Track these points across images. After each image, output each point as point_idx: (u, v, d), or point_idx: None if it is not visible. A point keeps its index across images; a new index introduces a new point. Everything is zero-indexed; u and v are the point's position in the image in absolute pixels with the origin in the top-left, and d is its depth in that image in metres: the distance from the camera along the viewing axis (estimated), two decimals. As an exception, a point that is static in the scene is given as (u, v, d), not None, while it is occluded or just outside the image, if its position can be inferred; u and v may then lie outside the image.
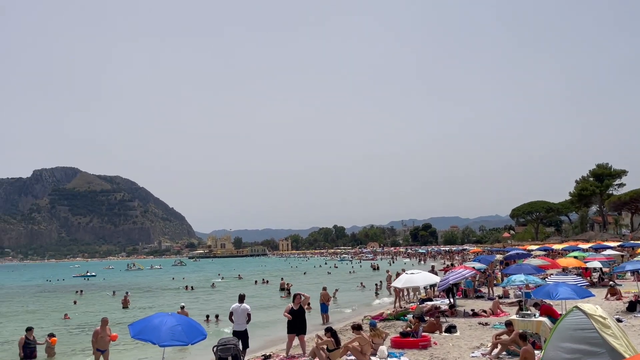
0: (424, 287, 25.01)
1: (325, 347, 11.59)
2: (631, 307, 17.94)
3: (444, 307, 19.68)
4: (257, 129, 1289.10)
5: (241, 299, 13.12)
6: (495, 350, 11.91)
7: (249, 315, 12.73)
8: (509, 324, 12.65)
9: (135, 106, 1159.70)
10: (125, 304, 31.66)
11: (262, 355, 13.55)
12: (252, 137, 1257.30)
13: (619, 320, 14.40)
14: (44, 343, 15.74)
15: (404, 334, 13.99)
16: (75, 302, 35.87)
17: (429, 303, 21.13)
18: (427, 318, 16.41)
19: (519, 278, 17.88)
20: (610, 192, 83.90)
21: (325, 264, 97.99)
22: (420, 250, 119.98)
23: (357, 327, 12.25)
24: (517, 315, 14.42)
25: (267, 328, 20.56)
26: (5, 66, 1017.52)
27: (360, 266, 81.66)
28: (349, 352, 11.75)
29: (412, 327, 14.39)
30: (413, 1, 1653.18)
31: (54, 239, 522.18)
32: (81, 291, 46.35)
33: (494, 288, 26.08)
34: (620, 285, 24.76)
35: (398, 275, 26.08)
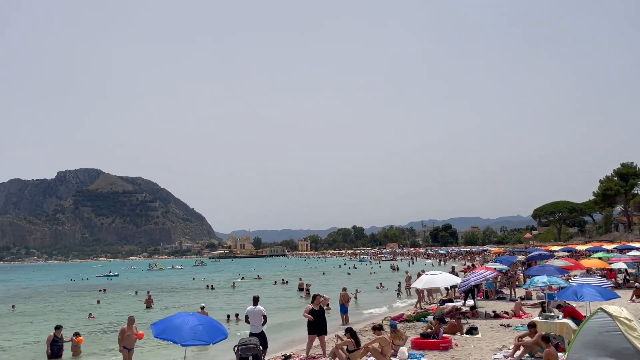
0: (445, 288, 24.85)
1: (345, 347, 11.59)
2: (658, 310, 17.57)
3: (465, 308, 19.51)
4: (276, 131, 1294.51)
5: (255, 301, 13.10)
6: (518, 352, 11.76)
7: (264, 317, 12.72)
8: (531, 325, 12.46)
9: (156, 109, 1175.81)
10: (149, 304, 32.07)
11: (282, 356, 13.61)
12: (272, 140, 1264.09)
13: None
14: (69, 341, 16.07)
15: (424, 335, 13.90)
16: (99, 302, 36.52)
17: (450, 304, 20.95)
18: (447, 319, 16.29)
19: (542, 279, 17.63)
20: (636, 191, 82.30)
21: (345, 264, 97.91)
22: (441, 251, 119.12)
23: (377, 328, 12.21)
24: (540, 317, 14.23)
25: (286, 329, 20.63)
26: (31, 70, 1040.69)
27: (380, 267, 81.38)
28: (369, 353, 11.74)
29: (433, 328, 14.30)
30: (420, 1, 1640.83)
31: (78, 239, 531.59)
32: (104, 290, 47.09)
33: (516, 289, 25.79)
34: (647, 286, 24.22)
35: (419, 276, 25.96)
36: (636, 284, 24.14)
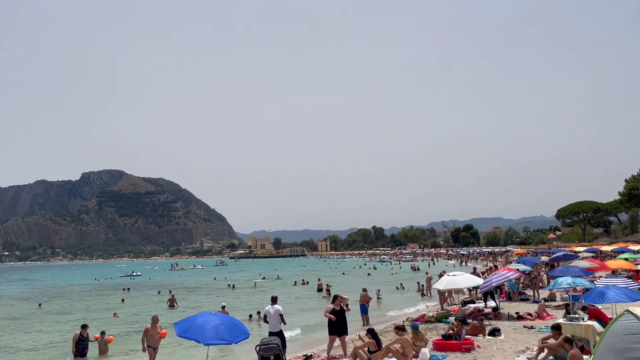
0: (468, 289, 24.62)
1: (366, 348, 11.58)
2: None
3: (487, 310, 19.30)
4: (297, 137, 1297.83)
5: (274, 300, 13.35)
6: (542, 355, 11.59)
7: (281, 316, 12.86)
8: (556, 327, 12.25)
9: (178, 112, 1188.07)
10: (172, 303, 32.42)
11: (303, 356, 13.66)
12: (292, 145, 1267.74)
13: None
14: (94, 340, 16.24)
15: (446, 337, 13.79)
16: (123, 300, 37.11)
17: (472, 305, 20.75)
18: (470, 321, 16.14)
19: (566, 281, 17.37)
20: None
21: (365, 264, 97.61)
22: (462, 252, 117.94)
23: (399, 329, 12.16)
24: (565, 319, 14.00)
25: (307, 329, 20.66)
26: (56, 75, 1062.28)
27: (400, 267, 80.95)
28: (390, 354, 11.70)
29: (455, 329, 14.19)
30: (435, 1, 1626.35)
31: (102, 240, 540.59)
32: (128, 289, 47.77)
33: (540, 291, 25.43)
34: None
35: (440, 276, 25.78)
36: (664, 285, 23.62)
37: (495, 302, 20.45)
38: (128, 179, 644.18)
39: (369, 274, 63.65)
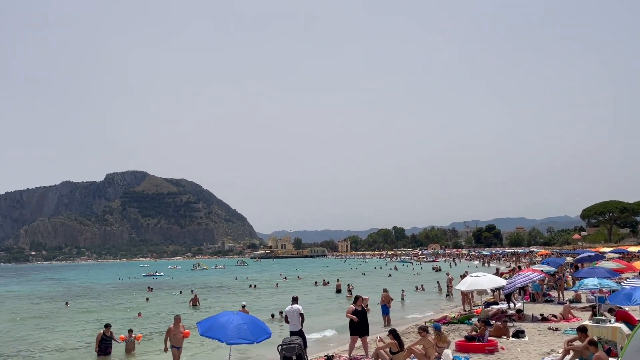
0: (492, 290, 24.33)
1: (388, 349, 11.53)
2: None
3: (511, 311, 19.06)
4: (317, 141, 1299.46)
5: (294, 300, 13.55)
6: (567, 357, 11.39)
7: (301, 315, 12.98)
8: (582, 329, 12.03)
9: (198, 115, 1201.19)
10: (194, 303, 32.72)
11: (324, 356, 13.68)
12: (314, 149, 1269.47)
13: None
14: (120, 341, 16.40)
15: (469, 338, 13.67)
16: (147, 299, 37.63)
17: (495, 307, 20.51)
18: (493, 322, 15.96)
19: (592, 282, 17.08)
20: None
21: (386, 265, 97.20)
22: (484, 253, 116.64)
23: (423, 330, 12.08)
24: (591, 321, 13.74)
25: (329, 329, 20.65)
26: (81, 79, 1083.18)
27: (422, 268, 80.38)
28: (412, 355, 11.64)
29: (478, 331, 14.04)
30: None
31: (125, 240, 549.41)
32: (151, 288, 48.48)
33: (565, 292, 24.99)
34: None
35: (462, 277, 25.53)
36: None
37: (514, 303, 20.17)
38: (151, 180, 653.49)
39: (390, 275, 63.35)
